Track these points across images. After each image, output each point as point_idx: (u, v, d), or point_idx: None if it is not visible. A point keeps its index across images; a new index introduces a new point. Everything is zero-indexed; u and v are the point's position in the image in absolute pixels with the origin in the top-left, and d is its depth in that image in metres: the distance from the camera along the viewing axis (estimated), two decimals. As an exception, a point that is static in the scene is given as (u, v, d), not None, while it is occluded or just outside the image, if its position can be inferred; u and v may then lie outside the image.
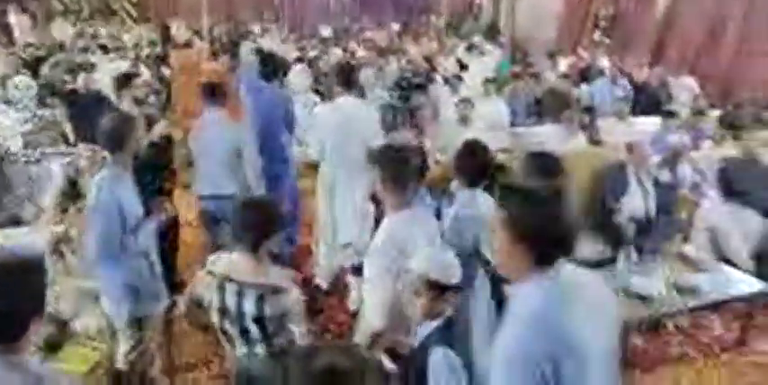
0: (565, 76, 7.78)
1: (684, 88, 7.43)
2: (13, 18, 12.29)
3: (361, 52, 10.07)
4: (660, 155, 4.31)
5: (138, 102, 4.16)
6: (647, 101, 6.91)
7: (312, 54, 9.12)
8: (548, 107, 6.47)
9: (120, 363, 2.56)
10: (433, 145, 5.26)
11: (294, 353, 1.34)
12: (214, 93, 3.69)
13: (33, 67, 7.74)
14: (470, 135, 5.30)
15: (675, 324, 3.57)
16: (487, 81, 6.48)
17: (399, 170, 2.34)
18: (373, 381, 1.21)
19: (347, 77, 3.79)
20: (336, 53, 9.09)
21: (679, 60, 9.23)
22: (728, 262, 3.76)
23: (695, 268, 3.46)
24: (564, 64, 8.80)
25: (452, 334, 1.91)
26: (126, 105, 3.84)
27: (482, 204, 2.54)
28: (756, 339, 3.53)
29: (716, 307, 3.46)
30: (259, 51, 6.61)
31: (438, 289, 1.91)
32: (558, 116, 5.99)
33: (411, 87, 4.34)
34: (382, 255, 2.27)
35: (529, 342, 1.32)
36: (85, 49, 8.51)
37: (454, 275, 1.94)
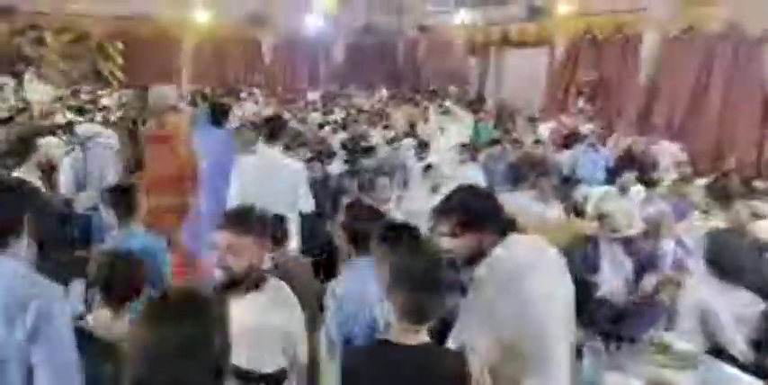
0: (539, 141, 7.51)
1: (668, 155, 7.15)
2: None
3: (339, 114, 9.93)
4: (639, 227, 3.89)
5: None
6: (629, 169, 6.60)
7: (287, 117, 8.91)
8: (522, 173, 6.14)
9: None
10: (398, 211, 4.86)
11: None
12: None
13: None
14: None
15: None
16: (462, 146, 6.18)
17: None
18: None
19: (271, 130, 3.93)
20: (314, 116, 8.90)
21: (664, 127, 9.03)
22: (722, 352, 3.25)
23: (680, 362, 2.93)
24: (544, 130, 8.58)
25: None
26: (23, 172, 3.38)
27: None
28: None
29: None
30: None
31: None
32: (532, 182, 5.65)
33: (358, 151, 3.99)
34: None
35: None
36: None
37: None
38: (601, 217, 3.45)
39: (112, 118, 8.19)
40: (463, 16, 15.24)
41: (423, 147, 5.92)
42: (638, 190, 5.43)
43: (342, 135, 7.23)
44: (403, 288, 1.60)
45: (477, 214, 1.84)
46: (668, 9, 9.42)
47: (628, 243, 3.62)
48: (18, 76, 13.24)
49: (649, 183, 5.10)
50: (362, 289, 2.13)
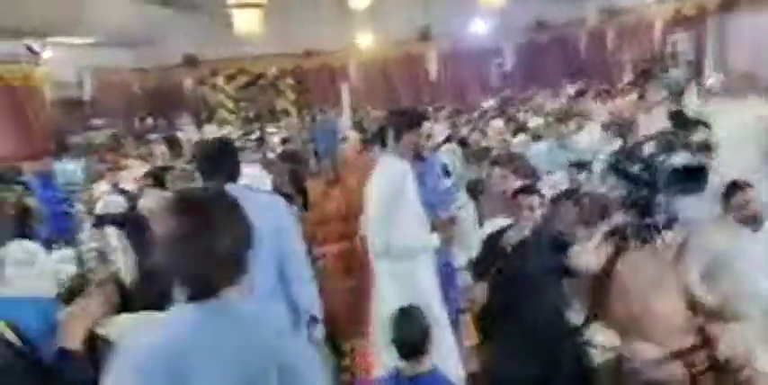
0: None
1: None
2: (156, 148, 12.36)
3: (534, 121, 7.99)
4: None
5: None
6: None
7: (465, 131, 7.30)
8: None
9: None
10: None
11: None
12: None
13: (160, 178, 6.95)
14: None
15: None
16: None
17: None
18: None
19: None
20: (496, 125, 7.11)
21: None
22: None
23: None
24: None
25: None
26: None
27: None
28: None
29: None
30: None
31: None
32: None
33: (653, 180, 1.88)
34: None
35: None
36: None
37: None
38: None
39: (271, 155, 7.34)
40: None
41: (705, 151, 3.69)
42: None
43: (541, 146, 5.35)
44: None
45: None
46: None
47: None
48: (201, 125, 13.58)
49: None
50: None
